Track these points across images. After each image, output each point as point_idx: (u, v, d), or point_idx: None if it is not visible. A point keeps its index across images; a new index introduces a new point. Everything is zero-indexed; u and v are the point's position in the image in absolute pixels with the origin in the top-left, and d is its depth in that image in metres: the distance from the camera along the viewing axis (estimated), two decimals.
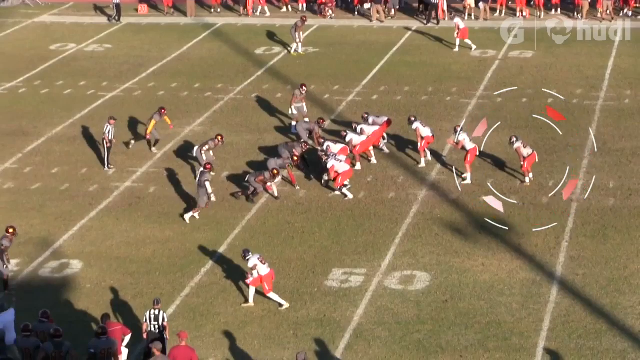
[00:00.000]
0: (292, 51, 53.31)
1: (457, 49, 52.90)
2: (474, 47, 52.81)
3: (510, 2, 59.84)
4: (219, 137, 38.40)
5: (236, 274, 31.62)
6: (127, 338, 26.47)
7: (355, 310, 29.57)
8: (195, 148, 38.26)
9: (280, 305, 29.66)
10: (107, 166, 39.04)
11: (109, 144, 38.81)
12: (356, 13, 60.63)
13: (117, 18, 60.67)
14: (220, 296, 30.51)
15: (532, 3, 59.43)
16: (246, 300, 30.04)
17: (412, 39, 56.22)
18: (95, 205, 36.51)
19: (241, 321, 29.15)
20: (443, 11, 58.92)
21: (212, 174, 36.01)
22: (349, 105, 44.68)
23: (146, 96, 46.83)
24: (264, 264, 29.67)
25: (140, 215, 35.80)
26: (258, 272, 29.64)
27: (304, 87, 42.41)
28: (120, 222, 35.26)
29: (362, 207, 36.03)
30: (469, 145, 37.43)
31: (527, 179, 37.30)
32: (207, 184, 34.94)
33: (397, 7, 60.40)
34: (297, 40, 53.04)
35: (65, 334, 25.40)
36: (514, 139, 37.27)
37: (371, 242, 33.54)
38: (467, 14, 59.04)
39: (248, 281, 29.86)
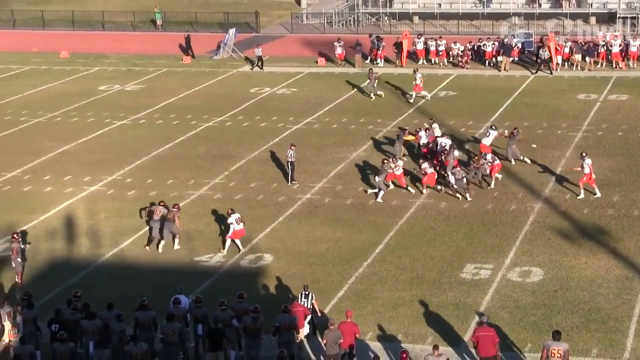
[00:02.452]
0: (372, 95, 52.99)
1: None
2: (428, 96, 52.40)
3: (609, 56, 58.76)
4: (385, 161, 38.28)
5: (391, 266, 31.56)
6: (308, 318, 26.56)
7: (483, 297, 29.26)
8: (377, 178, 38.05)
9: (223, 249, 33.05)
10: (291, 182, 39.28)
11: (291, 165, 39.10)
12: (487, 64, 60.10)
13: (260, 66, 61.34)
14: (378, 284, 30.44)
15: (627, 57, 58.45)
16: (223, 248, 33.04)
17: (530, 85, 55.52)
18: (282, 212, 36.73)
19: (394, 303, 29.05)
20: (557, 64, 58.23)
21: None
22: (480, 137, 44.24)
23: (323, 128, 47.06)
24: (239, 224, 33.02)
25: (317, 220, 35.93)
26: (234, 228, 33.00)
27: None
28: (302, 225, 35.42)
29: (490, 216, 35.66)
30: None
31: (582, 193, 36.76)
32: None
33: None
34: (373, 85, 52.75)
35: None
36: (584, 154, 36.97)
37: (497, 243, 33.17)
38: (575, 66, 58.24)
39: (228, 235, 33.16)
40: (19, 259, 30.65)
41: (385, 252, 32.83)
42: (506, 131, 41.84)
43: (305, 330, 26.40)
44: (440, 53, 60.98)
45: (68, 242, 34.55)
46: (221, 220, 35.39)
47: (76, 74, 61.62)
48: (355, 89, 55.38)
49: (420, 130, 42.27)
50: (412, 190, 38.01)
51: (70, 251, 33.88)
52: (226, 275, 31.46)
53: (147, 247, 33.86)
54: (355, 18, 74.64)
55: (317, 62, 62.98)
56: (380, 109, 50.74)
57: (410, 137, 41.97)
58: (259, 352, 25.20)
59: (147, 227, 34.63)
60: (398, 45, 61.19)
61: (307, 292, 27.01)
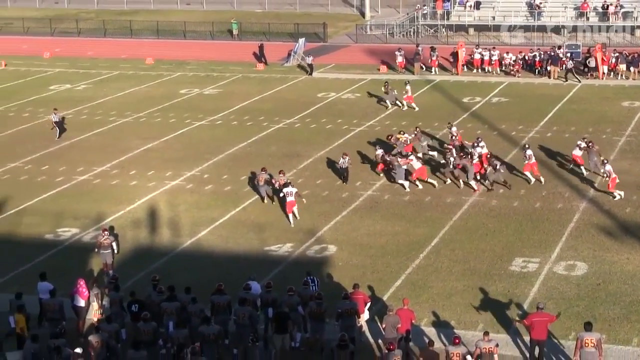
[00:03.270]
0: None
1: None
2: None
3: None
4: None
5: (445, 258, 31.42)
6: (368, 304, 26.54)
7: (531, 288, 29.00)
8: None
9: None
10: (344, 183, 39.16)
11: (344, 171, 38.87)
12: (537, 73, 59.52)
13: (310, 74, 61.60)
14: (433, 274, 30.33)
15: None
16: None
17: (578, 92, 54.86)
18: (346, 207, 36.69)
19: (448, 293, 28.92)
20: (603, 73, 57.57)
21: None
22: (530, 140, 43.79)
23: (383, 130, 46.80)
24: (289, 196, 34.76)
25: (377, 215, 35.86)
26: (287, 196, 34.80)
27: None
28: (363, 219, 35.37)
29: (538, 213, 35.31)
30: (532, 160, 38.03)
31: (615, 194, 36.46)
32: None
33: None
34: (394, 95, 51.70)
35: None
36: (606, 161, 36.88)
37: (544, 239, 32.83)
38: (620, 76, 57.45)
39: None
40: (108, 251, 30.75)
41: (440, 246, 32.68)
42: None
43: (365, 315, 26.36)
44: (493, 62, 60.53)
45: (151, 231, 34.88)
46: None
47: (160, 79, 62.14)
48: (416, 94, 55.16)
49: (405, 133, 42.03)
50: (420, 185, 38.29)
51: (153, 239, 34.20)
52: (293, 264, 31.53)
53: (264, 201, 36.65)
54: (415, 29, 74.39)
55: (379, 69, 62.80)
56: (437, 113, 50.45)
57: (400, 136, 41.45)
58: (323, 335, 25.22)
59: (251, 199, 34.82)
60: (454, 55, 60.92)
61: (312, 278, 27.42)
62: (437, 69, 60.97)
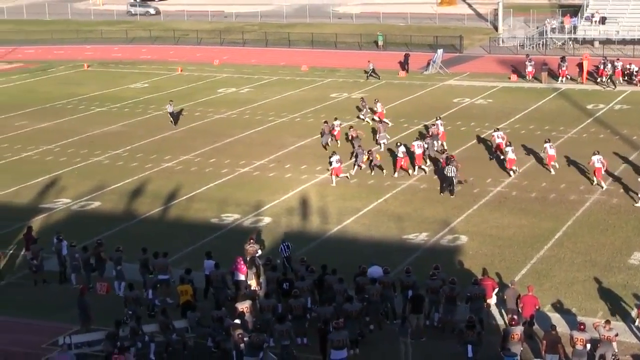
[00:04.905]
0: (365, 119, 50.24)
1: None
2: None
3: None
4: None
5: (567, 250, 30.58)
6: (496, 290, 26.03)
7: None
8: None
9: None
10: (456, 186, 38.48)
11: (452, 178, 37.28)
12: None
13: (375, 76, 62.28)
14: (556, 265, 29.53)
15: None
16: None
17: None
18: (477, 201, 36.10)
19: (570, 282, 28.11)
20: None
21: None
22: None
23: (514, 133, 45.70)
24: (338, 163, 38.13)
25: (505, 209, 35.15)
26: (333, 166, 38.06)
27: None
28: (492, 213, 34.73)
29: None
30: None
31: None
32: None
33: None
34: (367, 110, 50.24)
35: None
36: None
37: None
38: None
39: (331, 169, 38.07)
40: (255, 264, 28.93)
41: (563, 239, 31.77)
42: None
43: (493, 300, 25.88)
44: (616, 72, 58.46)
45: (302, 219, 35.09)
46: (425, 206, 35.18)
47: (313, 84, 62.49)
48: (541, 101, 53.89)
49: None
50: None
51: (304, 226, 34.39)
52: (429, 252, 31.19)
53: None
54: (544, 42, 72.67)
55: (509, 78, 61.54)
56: (563, 118, 49.12)
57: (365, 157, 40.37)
58: (454, 316, 24.91)
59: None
60: (580, 65, 59.21)
61: (286, 244, 28.48)
62: (565, 78, 59.34)
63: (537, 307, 24.67)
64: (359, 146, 41.15)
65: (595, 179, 36.98)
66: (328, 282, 25.93)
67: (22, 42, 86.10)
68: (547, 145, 39.22)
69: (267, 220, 34.87)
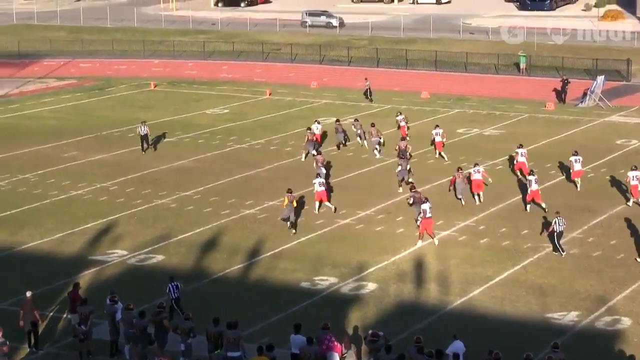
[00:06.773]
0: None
1: None
2: None
3: None
4: None
5: None
6: None
7: None
8: None
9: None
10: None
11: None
12: None
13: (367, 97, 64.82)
14: None
15: None
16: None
17: None
18: None
19: None
20: None
21: None
22: None
23: None
24: (320, 187, 41.82)
25: None
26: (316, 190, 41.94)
27: None
28: None
29: None
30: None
31: None
32: None
33: None
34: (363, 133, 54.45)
35: None
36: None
37: None
38: None
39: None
40: None
41: None
42: None
43: None
44: None
45: (416, 286, 34.90)
46: (575, 277, 34.61)
47: (435, 115, 62.46)
48: None
49: None
50: None
51: (418, 296, 34.19)
52: (579, 336, 30.58)
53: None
54: None
55: None
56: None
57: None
58: None
59: None
60: None
61: (175, 284, 30.98)
62: None
63: None
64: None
65: None
66: None
67: (77, 54, 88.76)
68: None
69: (371, 286, 34.78)
